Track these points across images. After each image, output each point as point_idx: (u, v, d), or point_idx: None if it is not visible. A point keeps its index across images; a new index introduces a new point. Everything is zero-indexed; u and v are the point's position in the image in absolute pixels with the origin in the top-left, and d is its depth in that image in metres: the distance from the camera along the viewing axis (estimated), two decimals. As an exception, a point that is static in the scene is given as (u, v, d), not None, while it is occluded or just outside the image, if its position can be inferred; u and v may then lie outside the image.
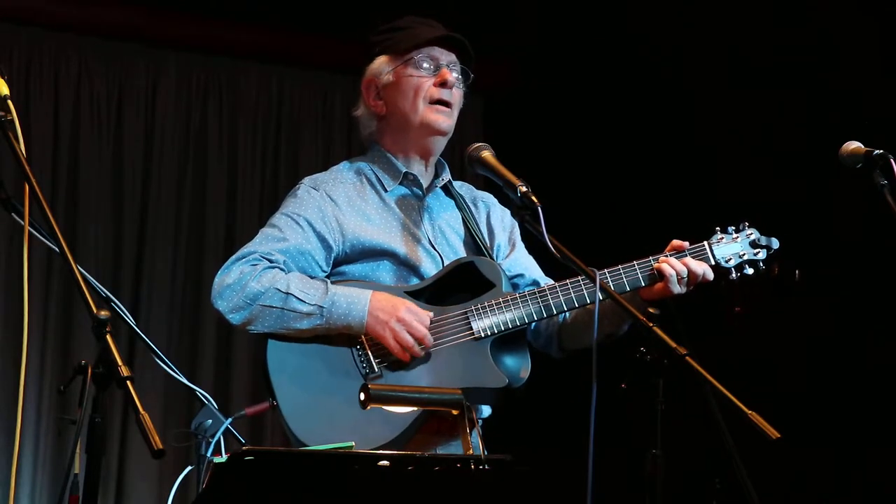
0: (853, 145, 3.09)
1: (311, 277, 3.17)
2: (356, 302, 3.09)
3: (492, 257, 3.31)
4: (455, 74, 3.30)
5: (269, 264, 3.14)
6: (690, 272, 3.14)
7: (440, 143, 3.33)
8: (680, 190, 5.98)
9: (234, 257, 3.17)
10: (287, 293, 3.08)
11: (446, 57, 3.29)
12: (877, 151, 3.03)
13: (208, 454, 3.64)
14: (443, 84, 3.27)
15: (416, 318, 3.09)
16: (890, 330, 5.12)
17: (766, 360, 5.50)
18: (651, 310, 3.14)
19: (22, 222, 2.64)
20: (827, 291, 5.19)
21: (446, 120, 3.29)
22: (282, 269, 3.14)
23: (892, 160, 2.99)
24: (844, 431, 5.33)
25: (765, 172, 5.67)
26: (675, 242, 3.22)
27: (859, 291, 5.35)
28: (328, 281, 3.15)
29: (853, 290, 5.36)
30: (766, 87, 5.76)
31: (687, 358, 2.59)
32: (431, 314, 3.12)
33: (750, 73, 5.82)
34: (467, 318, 3.15)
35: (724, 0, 5.83)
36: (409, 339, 3.08)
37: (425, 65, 3.27)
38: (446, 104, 3.28)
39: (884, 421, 5.23)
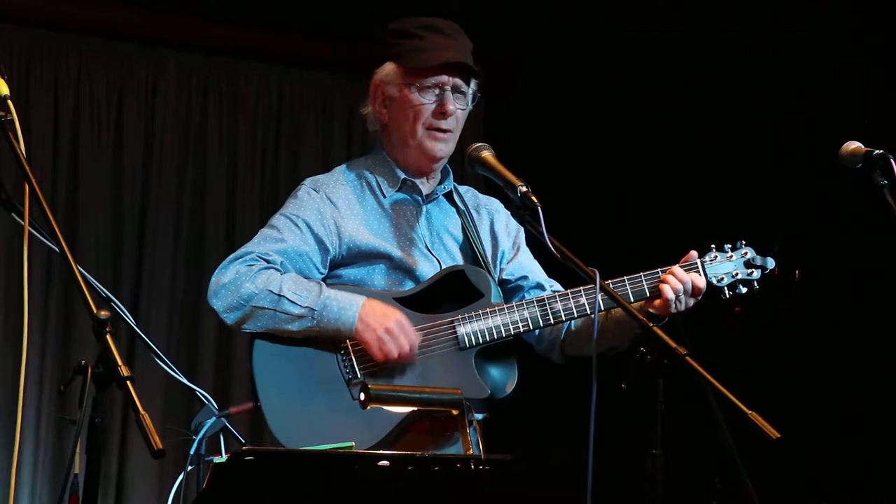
0: (853, 145, 3.09)
1: (308, 279, 3.17)
2: (347, 308, 3.10)
3: (487, 265, 3.31)
4: (458, 104, 3.26)
5: (265, 265, 3.15)
6: (695, 286, 3.14)
7: (438, 164, 3.33)
8: (679, 192, 5.99)
9: (231, 257, 3.19)
10: (279, 295, 3.10)
11: (452, 80, 3.25)
12: (877, 151, 3.03)
13: (192, 450, 3.64)
14: (442, 113, 3.25)
15: (404, 331, 3.10)
16: (891, 329, 5.12)
17: (767, 360, 5.50)
18: (651, 310, 3.15)
19: (22, 222, 2.64)
20: (827, 291, 5.19)
21: (444, 147, 3.28)
22: (278, 270, 3.15)
23: (892, 160, 2.99)
24: (845, 431, 5.33)
25: (765, 173, 5.67)
26: (692, 253, 3.22)
27: (859, 291, 5.35)
28: (323, 284, 3.15)
29: (853, 289, 5.36)
30: (767, 87, 5.76)
31: (687, 358, 2.59)
32: (420, 337, 3.12)
33: (750, 73, 5.82)
34: (454, 327, 3.15)
35: (723, 1, 5.83)
36: (394, 351, 3.08)
37: (429, 89, 3.24)
38: (446, 130, 3.27)
39: (884, 420, 5.23)
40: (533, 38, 6.48)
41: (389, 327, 3.08)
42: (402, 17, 3.35)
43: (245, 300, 3.11)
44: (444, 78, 3.25)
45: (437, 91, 3.25)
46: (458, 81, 3.26)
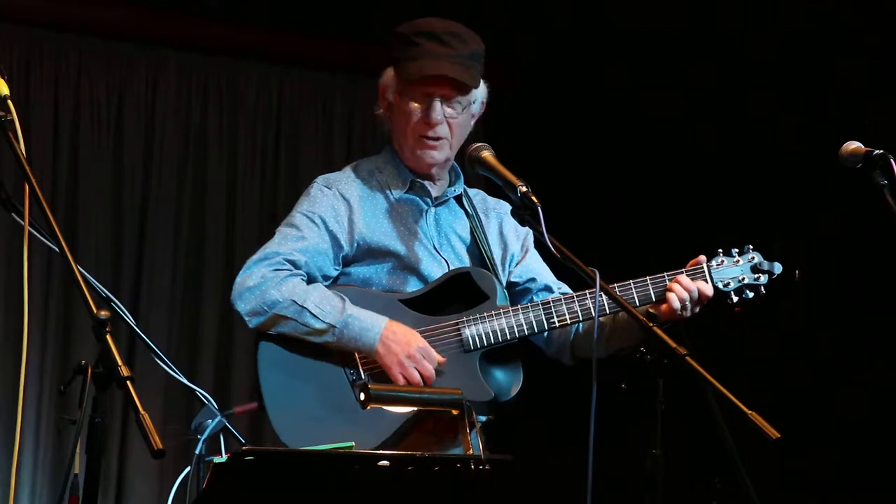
0: (853, 145, 3.09)
1: (335, 292, 3.17)
2: (369, 329, 3.11)
3: (495, 268, 3.31)
4: (450, 111, 3.26)
5: (291, 270, 3.16)
6: (701, 294, 3.14)
7: (438, 169, 3.34)
8: (680, 192, 5.99)
9: (256, 258, 3.20)
10: (303, 307, 3.12)
11: (441, 90, 3.26)
12: (877, 151, 3.03)
13: (197, 451, 3.64)
14: (427, 124, 3.26)
15: (427, 356, 3.11)
16: (891, 329, 5.12)
17: (767, 360, 5.50)
18: (651, 310, 3.15)
19: (22, 222, 2.64)
20: (827, 291, 5.19)
21: (435, 155, 3.29)
22: (303, 277, 3.17)
23: (892, 160, 2.99)
24: (845, 431, 5.33)
25: (765, 173, 5.67)
26: (700, 258, 3.21)
27: (859, 291, 5.35)
28: (347, 300, 3.16)
29: (853, 289, 5.36)
30: (767, 86, 5.76)
31: (687, 358, 2.59)
32: (444, 360, 3.13)
33: (750, 73, 5.82)
34: (459, 329, 3.16)
35: (723, 1, 5.83)
36: (417, 377, 3.11)
37: (419, 98, 3.26)
38: (434, 139, 3.28)
39: (884, 420, 5.23)
40: (533, 38, 6.48)
41: (412, 353, 3.10)
42: (405, 17, 3.36)
43: (269, 307, 3.13)
44: (433, 87, 3.26)
45: (427, 100, 3.26)
46: (448, 90, 3.27)
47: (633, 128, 6.23)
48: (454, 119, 3.28)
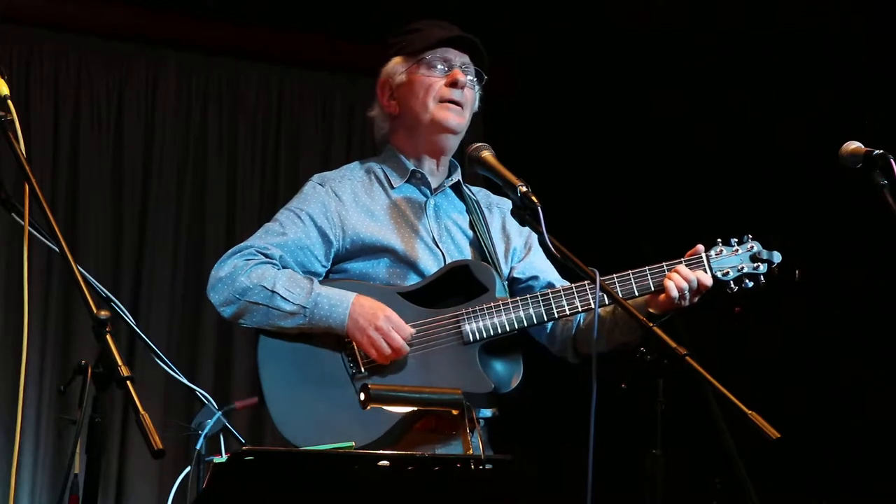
0: (853, 145, 3.09)
1: (304, 275, 3.18)
2: (338, 305, 3.11)
3: (494, 260, 3.31)
4: (468, 76, 3.31)
5: (262, 259, 3.18)
6: (700, 283, 3.13)
7: (451, 142, 3.33)
8: (680, 191, 5.99)
9: (231, 250, 3.22)
10: (273, 291, 3.12)
11: (459, 58, 3.30)
12: (877, 151, 3.03)
13: (197, 446, 3.65)
14: (454, 84, 3.27)
15: (395, 327, 3.10)
16: (891, 329, 5.12)
17: (767, 360, 5.50)
18: (652, 310, 3.15)
19: (22, 222, 2.64)
20: (827, 291, 5.19)
21: (456, 118, 3.29)
22: (274, 265, 3.17)
23: (892, 160, 2.99)
24: (845, 431, 5.33)
25: (765, 173, 5.67)
26: (699, 247, 3.21)
27: (860, 291, 5.35)
28: (315, 281, 3.16)
29: (853, 289, 5.36)
30: (766, 87, 5.76)
31: (687, 358, 2.59)
32: (413, 331, 3.13)
33: (750, 73, 5.82)
34: (458, 322, 3.16)
35: (723, 1, 5.84)
36: (386, 349, 3.09)
37: (438, 65, 3.29)
38: (457, 103, 3.29)
39: (884, 420, 5.23)
40: (533, 38, 6.49)
41: (378, 325, 3.09)
42: (404, 18, 3.40)
43: (240, 295, 3.14)
44: (452, 53, 3.30)
45: (445, 66, 3.28)
46: (466, 59, 3.31)
47: (633, 127, 6.23)
48: (470, 89, 3.30)
